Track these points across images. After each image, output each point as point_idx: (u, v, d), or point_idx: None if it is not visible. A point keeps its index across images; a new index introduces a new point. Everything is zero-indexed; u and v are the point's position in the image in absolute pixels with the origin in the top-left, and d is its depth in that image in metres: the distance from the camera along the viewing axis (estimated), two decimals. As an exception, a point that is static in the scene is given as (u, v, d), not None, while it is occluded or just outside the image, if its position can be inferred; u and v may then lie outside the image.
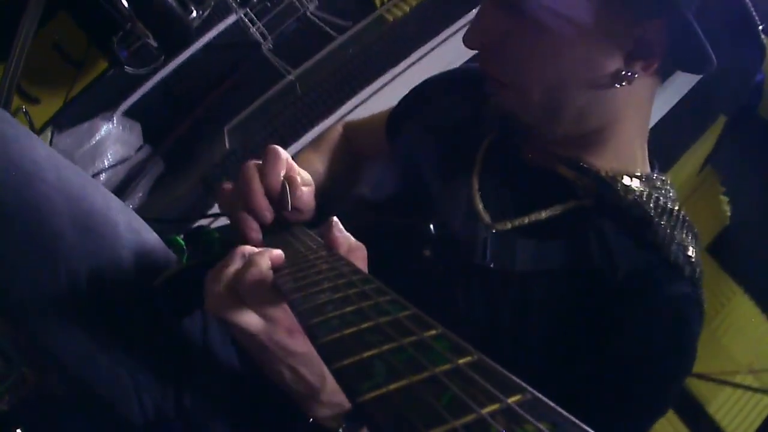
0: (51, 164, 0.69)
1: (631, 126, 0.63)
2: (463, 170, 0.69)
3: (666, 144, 1.73)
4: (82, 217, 0.69)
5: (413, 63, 1.54)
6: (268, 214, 0.57)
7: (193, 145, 1.89)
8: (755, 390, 1.65)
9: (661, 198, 0.61)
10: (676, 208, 0.61)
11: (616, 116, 0.61)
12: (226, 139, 1.65)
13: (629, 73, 0.56)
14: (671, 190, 0.64)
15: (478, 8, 0.59)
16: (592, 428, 0.20)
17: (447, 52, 1.60)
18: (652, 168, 0.67)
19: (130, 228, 0.75)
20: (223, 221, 0.71)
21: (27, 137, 0.70)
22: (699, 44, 0.53)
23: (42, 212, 0.66)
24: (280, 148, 0.60)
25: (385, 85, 1.52)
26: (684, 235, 0.60)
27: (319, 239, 0.50)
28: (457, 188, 0.68)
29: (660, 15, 0.54)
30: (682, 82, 1.71)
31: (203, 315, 0.75)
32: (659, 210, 0.60)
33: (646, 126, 0.66)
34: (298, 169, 0.61)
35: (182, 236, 0.67)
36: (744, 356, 1.77)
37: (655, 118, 1.79)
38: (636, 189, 0.60)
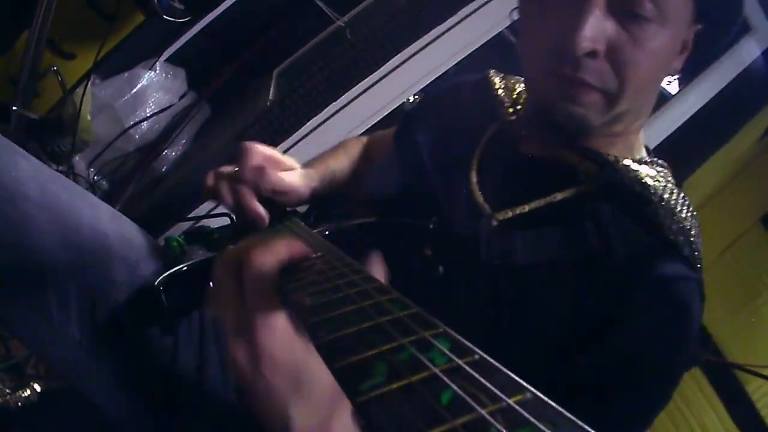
0: (35, 180, 0.68)
1: (643, 118, 0.67)
2: (462, 166, 0.70)
3: (728, 113, 1.66)
4: (70, 232, 0.69)
5: (473, 12, 1.41)
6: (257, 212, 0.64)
7: (241, 89, 1.87)
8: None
9: (661, 179, 0.62)
10: (676, 189, 0.62)
11: (642, 117, 0.66)
12: (273, 85, 1.60)
13: (675, 71, 0.62)
14: (669, 175, 0.66)
15: (581, 13, 0.56)
16: (597, 415, 0.20)
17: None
18: (649, 154, 0.69)
19: (121, 237, 0.75)
20: (224, 221, 0.72)
21: (9, 153, 0.69)
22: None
23: (27, 232, 0.65)
24: (251, 144, 0.68)
25: (441, 35, 1.41)
26: (685, 215, 0.60)
27: (320, 237, 0.50)
28: (457, 185, 0.69)
29: (719, 20, 0.60)
30: (747, 51, 1.63)
31: (201, 350, 0.76)
32: (659, 189, 0.60)
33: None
34: (275, 156, 0.69)
35: (182, 236, 0.67)
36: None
37: (719, 85, 1.71)
38: (637, 169, 0.62)
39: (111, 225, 0.75)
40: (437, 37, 1.32)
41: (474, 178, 0.68)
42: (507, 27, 1.34)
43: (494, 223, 0.63)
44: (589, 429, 0.20)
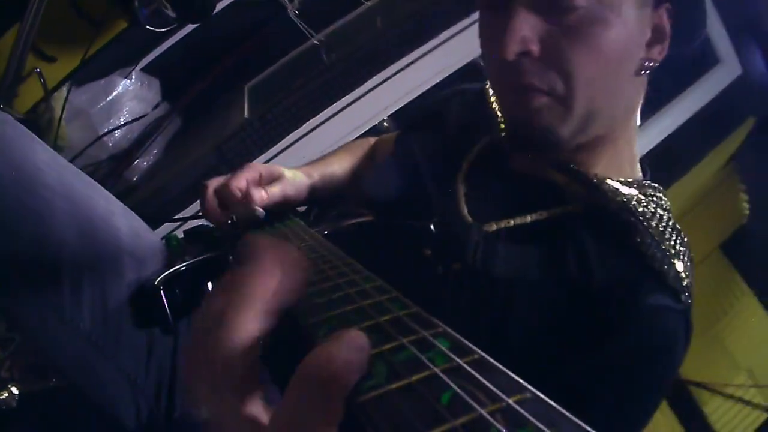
0: (53, 168, 0.68)
1: (627, 130, 0.64)
2: (452, 176, 0.70)
3: (693, 141, 1.72)
4: (85, 223, 0.68)
5: (450, 38, 1.42)
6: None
7: (212, 103, 1.86)
8: (754, 406, 1.64)
9: (651, 204, 0.60)
10: (666, 215, 0.60)
11: (622, 120, 0.62)
12: (246, 100, 1.60)
13: (651, 62, 0.57)
14: (663, 198, 0.63)
15: (507, 18, 0.54)
16: None
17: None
18: (645, 175, 0.67)
19: (132, 233, 0.74)
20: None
21: (29, 140, 0.68)
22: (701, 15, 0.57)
23: (45, 220, 0.65)
24: (208, 183, 0.66)
25: (420, 58, 1.42)
26: (672, 243, 0.58)
27: (319, 236, 0.50)
28: (446, 193, 0.68)
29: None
30: (714, 83, 1.70)
31: None
32: (648, 215, 0.58)
33: (636, 132, 0.66)
34: (257, 174, 0.68)
35: (181, 235, 0.67)
36: (746, 359, 1.77)
37: (686, 115, 1.77)
38: (625, 193, 0.59)
39: (122, 219, 0.74)
40: (419, 58, 1.34)
41: (461, 189, 0.68)
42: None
43: (479, 234, 0.62)
44: (590, 429, 0.20)
